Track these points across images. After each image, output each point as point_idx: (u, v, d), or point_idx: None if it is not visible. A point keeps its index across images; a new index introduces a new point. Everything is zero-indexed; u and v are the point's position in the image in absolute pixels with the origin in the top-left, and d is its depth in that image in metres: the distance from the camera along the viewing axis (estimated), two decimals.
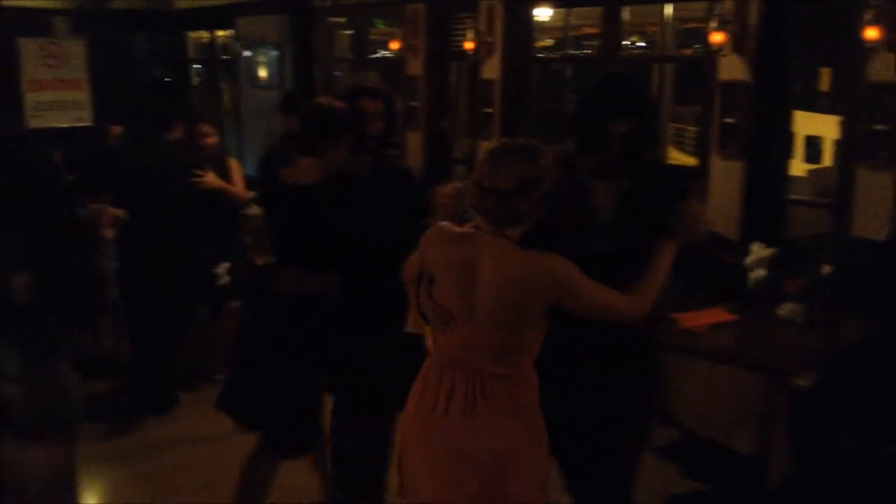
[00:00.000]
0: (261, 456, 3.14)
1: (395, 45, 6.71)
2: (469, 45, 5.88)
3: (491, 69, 5.85)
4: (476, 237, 2.28)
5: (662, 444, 3.86)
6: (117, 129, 4.97)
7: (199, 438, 4.36)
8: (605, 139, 2.33)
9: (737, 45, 4.49)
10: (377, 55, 8.03)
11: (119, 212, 4.16)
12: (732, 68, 4.56)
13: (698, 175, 4.84)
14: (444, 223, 2.42)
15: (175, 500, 3.76)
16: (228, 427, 4.45)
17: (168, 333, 4.65)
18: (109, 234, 3.56)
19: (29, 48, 6.98)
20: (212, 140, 4.89)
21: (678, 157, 8.55)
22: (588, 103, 2.44)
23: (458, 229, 2.36)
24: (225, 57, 9.06)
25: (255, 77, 8.11)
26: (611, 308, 2.25)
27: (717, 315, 3.71)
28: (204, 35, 9.24)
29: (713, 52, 4.57)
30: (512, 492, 2.31)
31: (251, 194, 4.84)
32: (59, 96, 7.21)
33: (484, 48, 5.81)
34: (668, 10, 5.50)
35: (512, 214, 2.22)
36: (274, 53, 7.87)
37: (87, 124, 7.33)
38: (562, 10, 5.96)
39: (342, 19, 7.76)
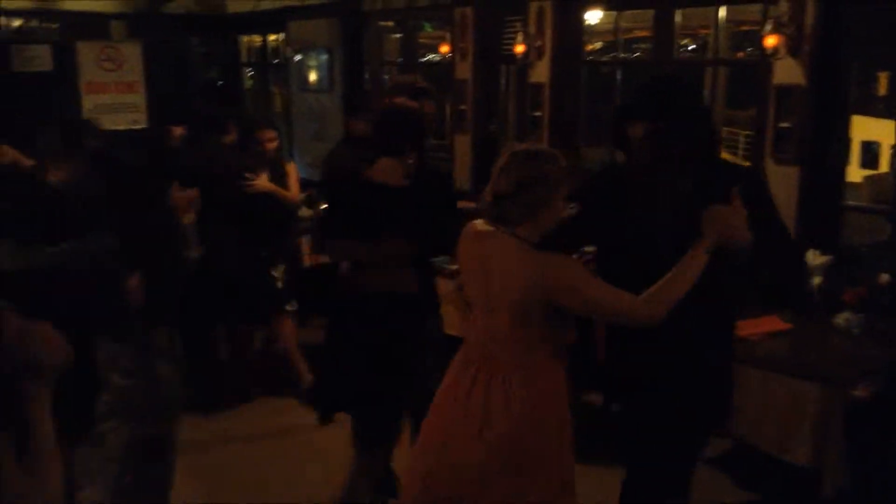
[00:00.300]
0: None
1: (444, 49, 6.72)
2: (518, 49, 5.87)
3: (540, 72, 5.83)
4: (493, 235, 2.40)
5: (715, 454, 3.81)
6: (178, 130, 5.04)
7: (252, 437, 4.42)
8: (625, 141, 2.32)
9: (792, 48, 4.40)
10: (426, 58, 8.06)
11: (194, 192, 4.16)
12: (788, 72, 4.47)
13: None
14: (478, 221, 2.52)
15: (227, 498, 3.81)
16: (280, 427, 4.54)
17: (224, 333, 4.73)
18: (189, 219, 3.56)
19: (87, 51, 7.14)
20: (272, 145, 4.83)
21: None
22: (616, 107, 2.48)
23: (482, 227, 2.47)
24: (276, 60, 9.18)
25: (306, 80, 8.20)
26: (617, 312, 2.28)
27: (772, 323, 3.65)
28: (256, 39, 9.37)
29: (768, 56, 4.49)
30: (525, 482, 2.36)
31: (302, 197, 4.88)
32: (115, 99, 7.37)
33: (533, 51, 5.78)
34: (722, 12, 5.42)
35: (504, 215, 2.36)
36: (324, 57, 7.94)
37: (142, 126, 7.48)
38: (612, 12, 5.91)
39: (391, 23, 7.80)
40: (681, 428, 2.43)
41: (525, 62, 5.89)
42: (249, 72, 9.90)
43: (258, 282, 4.71)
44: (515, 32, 5.97)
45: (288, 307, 4.80)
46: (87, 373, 2.72)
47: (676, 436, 2.43)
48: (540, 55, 5.77)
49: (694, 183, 2.33)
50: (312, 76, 8.14)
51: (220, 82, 9.53)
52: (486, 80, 6.39)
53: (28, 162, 3.76)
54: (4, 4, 7.32)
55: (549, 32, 5.71)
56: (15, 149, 3.80)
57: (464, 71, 6.36)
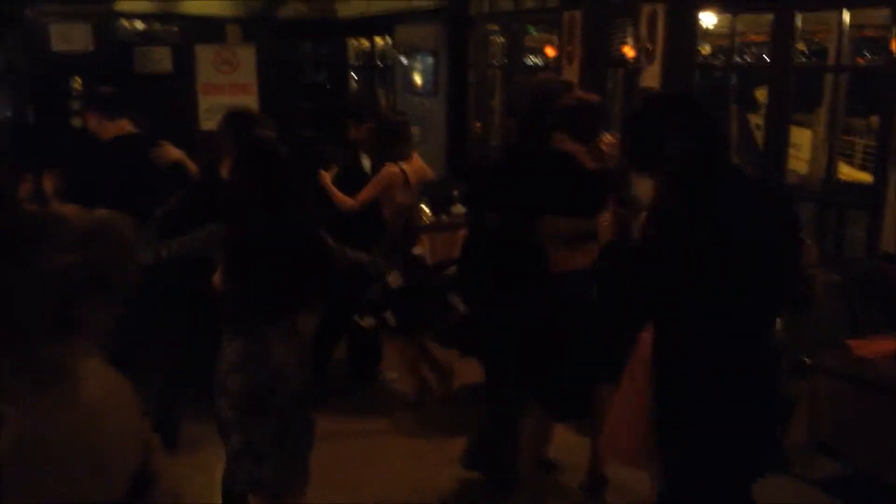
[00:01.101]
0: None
1: (550, 52, 6.67)
2: (628, 52, 5.76)
3: (651, 76, 5.69)
4: None
5: (827, 475, 3.64)
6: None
7: (347, 435, 4.47)
8: None
9: None
10: (531, 62, 8.01)
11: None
12: None
13: (874, 192, 4.54)
14: None
15: (323, 497, 3.86)
16: (378, 426, 4.58)
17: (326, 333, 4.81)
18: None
19: (205, 54, 7.38)
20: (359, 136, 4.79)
21: (848, 173, 8.05)
22: None
23: None
24: (381, 64, 9.31)
25: (411, 83, 8.28)
26: None
27: (890, 344, 3.46)
28: (364, 42, 9.53)
29: None
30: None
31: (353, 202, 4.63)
32: (230, 100, 7.56)
33: (644, 55, 5.67)
34: (846, 16, 5.19)
35: None
36: (429, 60, 8.00)
37: None
38: (728, 15, 5.74)
39: (496, 26, 7.80)
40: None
41: (635, 66, 5.78)
42: (354, 75, 10.06)
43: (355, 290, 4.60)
44: (625, 36, 5.87)
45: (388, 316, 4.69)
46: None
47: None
48: (651, 59, 5.64)
49: (689, 202, 2.40)
50: (417, 79, 8.21)
51: (327, 85, 9.72)
52: (594, 83, 6.29)
53: (190, 163, 3.98)
54: (129, 8, 7.67)
55: (660, 35, 5.58)
56: None
57: (571, 74, 6.28)
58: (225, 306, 2.91)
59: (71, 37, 6.70)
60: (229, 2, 8.59)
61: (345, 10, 8.94)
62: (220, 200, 2.95)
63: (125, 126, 4.11)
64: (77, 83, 6.56)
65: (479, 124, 7.56)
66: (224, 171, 3.28)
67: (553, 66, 6.61)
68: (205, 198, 3.25)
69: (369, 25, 8.86)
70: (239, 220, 2.89)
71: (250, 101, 7.77)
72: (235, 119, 3.40)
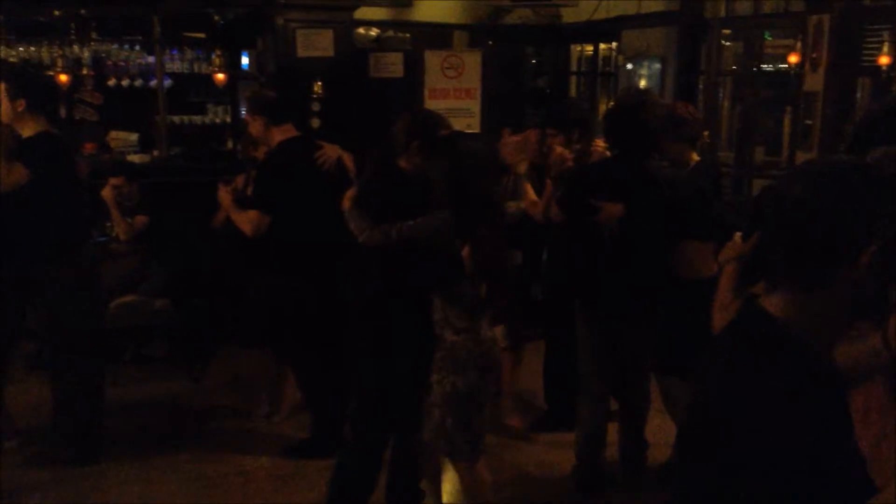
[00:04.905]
0: None
1: (792, 59, 6.27)
2: (882, 60, 5.31)
3: None
4: None
5: None
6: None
7: None
8: None
9: None
10: (767, 68, 7.58)
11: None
12: None
13: None
14: None
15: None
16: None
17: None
18: None
19: (433, 59, 7.60)
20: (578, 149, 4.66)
21: None
22: None
23: None
24: (605, 69, 9.17)
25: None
26: None
27: None
28: (588, 48, 9.43)
29: None
30: None
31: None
32: (454, 104, 7.75)
33: None
34: None
35: None
36: (656, 66, 7.77)
37: (475, 131, 7.81)
38: None
39: (728, 31, 7.44)
40: None
41: (888, 75, 5.31)
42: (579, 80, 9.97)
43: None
44: (879, 42, 5.41)
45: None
46: (429, 332, 3.26)
47: None
48: None
49: None
50: (642, 86, 8.01)
51: (548, 90, 9.70)
52: (840, 93, 5.85)
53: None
54: (366, 15, 8.06)
55: None
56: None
57: (814, 83, 5.88)
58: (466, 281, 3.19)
59: (315, 43, 7.11)
60: (458, 9, 8.80)
61: (570, 17, 8.89)
62: (428, 192, 3.25)
63: None
64: (317, 86, 6.97)
65: (707, 133, 7.25)
66: (404, 164, 3.49)
67: (794, 72, 6.21)
68: (387, 188, 3.55)
69: (594, 31, 8.75)
70: (461, 210, 3.18)
71: (473, 105, 7.92)
72: (423, 118, 3.61)
